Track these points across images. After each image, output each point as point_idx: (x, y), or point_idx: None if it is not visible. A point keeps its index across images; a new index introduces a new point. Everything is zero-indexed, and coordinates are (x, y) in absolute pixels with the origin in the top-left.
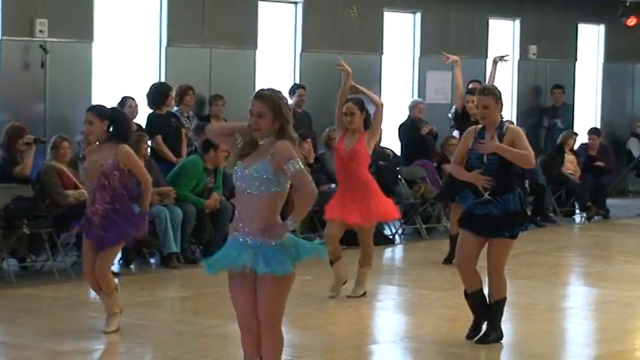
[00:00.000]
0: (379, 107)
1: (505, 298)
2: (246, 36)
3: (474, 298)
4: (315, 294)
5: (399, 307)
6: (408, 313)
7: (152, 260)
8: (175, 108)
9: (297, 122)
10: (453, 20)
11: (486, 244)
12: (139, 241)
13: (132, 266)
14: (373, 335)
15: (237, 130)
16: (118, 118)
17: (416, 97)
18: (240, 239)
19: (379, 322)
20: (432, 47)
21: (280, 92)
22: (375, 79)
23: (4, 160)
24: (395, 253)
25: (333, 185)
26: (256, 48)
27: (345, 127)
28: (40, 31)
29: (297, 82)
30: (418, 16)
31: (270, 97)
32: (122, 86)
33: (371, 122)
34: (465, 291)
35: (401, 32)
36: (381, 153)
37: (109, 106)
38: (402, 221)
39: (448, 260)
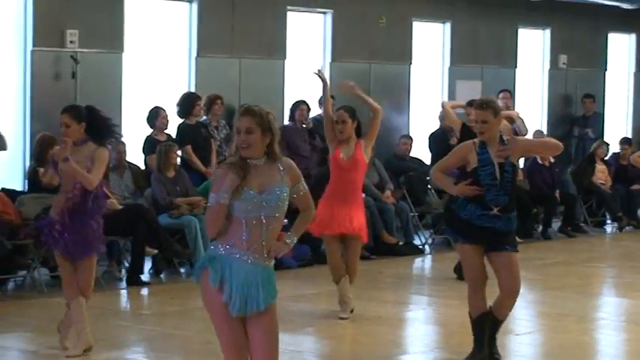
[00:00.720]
0: (377, 113)
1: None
2: (275, 46)
3: (485, 321)
4: None
5: (430, 318)
6: (439, 323)
7: (182, 270)
8: (204, 117)
9: None
10: (482, 30)
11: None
12: (170, 251)
13: (162, 276)
14: (404, 345)
15: (224, 210)
16: (93, 118)
17: None
18: (248, 261)
19: (410, 332)
20: (462, 57)
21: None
22: (404, 89)
23: (35, 170)
24: (425, 263)
25: (362, 195)
26: (285, 58)
27: (337, 139)
28: (71, 42)
29: None
30: (447, 25)
31: (258, 113)
32: (152, 96)
33: (362, 130)
34: (469, 314)
35: (430, 42)
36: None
37: (84, 106)
38: (431, 231)
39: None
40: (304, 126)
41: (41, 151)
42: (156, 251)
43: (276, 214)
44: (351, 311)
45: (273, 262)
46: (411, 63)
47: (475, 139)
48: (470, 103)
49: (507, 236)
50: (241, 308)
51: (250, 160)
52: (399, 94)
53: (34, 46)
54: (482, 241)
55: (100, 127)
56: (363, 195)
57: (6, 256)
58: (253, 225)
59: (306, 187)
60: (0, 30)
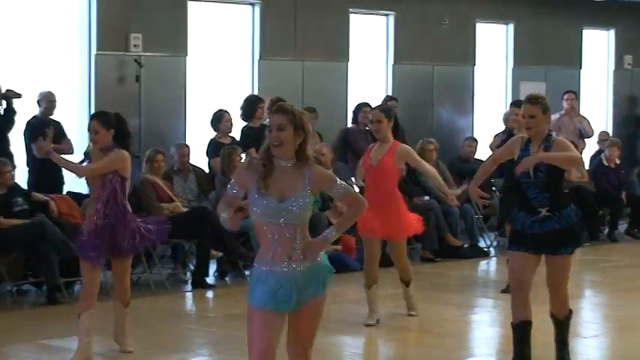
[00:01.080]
0: (432, 176)
1: (571, 312)
2: (338, 48)
3: (525, 330)
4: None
5: (495, 320)
6: (504, 326)
7: (247, 272)
8: (267, 120)
9: None
10: (546, 31)
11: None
12: (235, 254)
13: (227, 278)
14: (470, 348)
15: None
16: (120, 125)
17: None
18: (285, 269)
19: (475, 335)
20: (526, 58)
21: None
22: (468, 91)
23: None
24: (490, 266)
25: (427, 197)
26: (348, 60)
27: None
28: (135, 46)
29: (390, 93)
30: (511, 27)
31: (290, 110)
32: (216, 99)
33: (404, 137)
34: (512, 323)
35: (494, 43)
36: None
37: (112, 113)
38: (496, 233)
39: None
40: (367, 128)
41: None
42: (221, 254)
43: (298, 222)
44: (377, 321)
45: (318, 258)
46: (474, 64)
47: (524, 135)
48: (515, 103)
49: (566, 234)
50: (274, 303)
51: (278, 161)
52: (462, 95)
53: (98, 50)
54: (544, 249)
55: (127, 135)
56: (427, 197)
57: (72, 258)
58: (278, 232)
59: (344, 185)
60: (64, 34)
